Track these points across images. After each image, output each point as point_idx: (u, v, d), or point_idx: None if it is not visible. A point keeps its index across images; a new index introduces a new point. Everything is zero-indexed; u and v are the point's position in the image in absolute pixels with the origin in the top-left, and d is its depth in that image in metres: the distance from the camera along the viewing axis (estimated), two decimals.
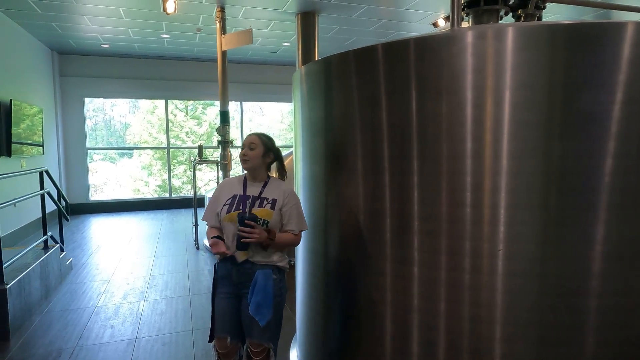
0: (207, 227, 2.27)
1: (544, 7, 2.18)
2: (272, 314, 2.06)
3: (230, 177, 2.31)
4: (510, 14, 2.18)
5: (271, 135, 2.25)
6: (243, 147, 2.19)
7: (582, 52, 1.47)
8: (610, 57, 1.46)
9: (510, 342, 1.61)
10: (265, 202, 2.11)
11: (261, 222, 2.04)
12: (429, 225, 1.71)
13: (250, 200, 2.12)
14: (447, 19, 6.58)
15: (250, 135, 2.21)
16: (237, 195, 2.16)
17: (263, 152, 2.16)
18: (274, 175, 2.27)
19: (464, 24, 2.06)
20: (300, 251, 2.51)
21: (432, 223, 1.70)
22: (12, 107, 6.00)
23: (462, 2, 2.09)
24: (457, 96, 1.60)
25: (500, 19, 2.15)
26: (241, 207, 2.10)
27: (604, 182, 1.48)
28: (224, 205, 2.14)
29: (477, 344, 1.65)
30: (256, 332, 2.08)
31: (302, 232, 2.22)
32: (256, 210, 2.07)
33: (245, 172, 2.23)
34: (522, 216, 1.55)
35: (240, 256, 2.10)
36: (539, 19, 2.17)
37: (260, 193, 2.14)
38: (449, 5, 1.85)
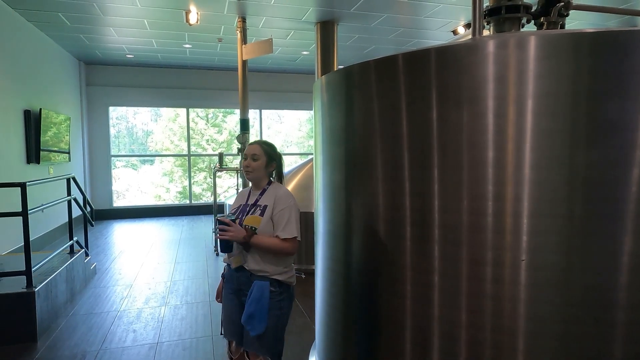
0: None
1: (567, 15, 2.16)
2: (268, 327, 2.04)
3: (245, 188, 2.37)
4: (532, 21, 2.16)
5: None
6: (245, 157, 2.19)
7: (607, 60, 1.46)
8: (636, 64, 1.44)
9: (533, 354, 1.58)
10: (257, 209, 2.12)
11: (250, 228, 2.07)
12: (449, 234, 1.70)
13: (249, 207, 2.16)
14: (467, 26, 6.55)
15: (252, 144, 2.21)
16: (241, 205, 2.22)
17: (266, 163, 2.18)
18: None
19: (485, 32, 2.06)
20: (320, 259, 2.52)
21: (453, 232, 1.69)
22: (41, 115, 6.22)
23: (484, 10, 2.09)
24: (478, 105, 1.60)
25: (522, 27, 2.14)
26: (240, 216, 2.16)
27: (630, 192, 1.45)
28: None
29: (498, 355, 1.62)
30: (248, 341, 2.09)
31: (320, 240, 2.23)
32: (247, 218, 2.11)
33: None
34: (545, 226, 1.53)
35: (234, 262, 2.12)
36: (562, 26, 2.15)
37: (257, 200, 2.17)
38: (469, 13, 1.86)
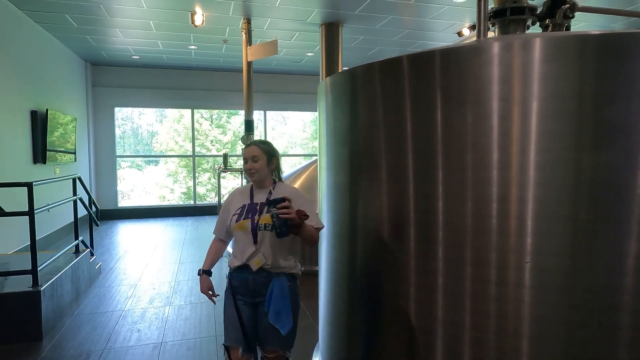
0: (214, 240, 2.31)
1: (573, 17, 2.15)
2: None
3: (238, 187, 2.33)
4: (538, 23, 2.16)
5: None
6: (245, 160, 2.15)
7: (613, 63, 1.45)
8: None
9: (537, 357, 1.57)
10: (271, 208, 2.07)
11: (269, 227, 2.01)
12: (453, 235, 1.70)
13: (258, 207, 2.11)
14: (472, 28, 6.54)
15: (249, 147, 2.17)
16: (245, 204, 2.15)
17: (267, 161, 2.15)
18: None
19: (490, 34, 2.06)
20: (324, 260, 2.52)
21: (457, 234, 1.69)
22: (48, 116, 6.26)
23: (489, 12, 2.09)
24: (483, 107, 1.60)
25: (527, 29, 2.14)
26: (250, 216, 2.09)
27: (635, 194, 1.45)
28: (233, 215, 2.14)
29: (502, 357, 1.62)
30: (274, 340, 2.08)
31: (324, 241, 2.22)
32: (264, 217, 2.04)
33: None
34: (550, 228, 1.52)
35: (255, 264, 2.07)
36: (567, 28, 2.14)
37: (267, 199, 2.10)
38: (474, 15, 1.86)
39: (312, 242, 2.10)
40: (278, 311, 2.03)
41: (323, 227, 2.16)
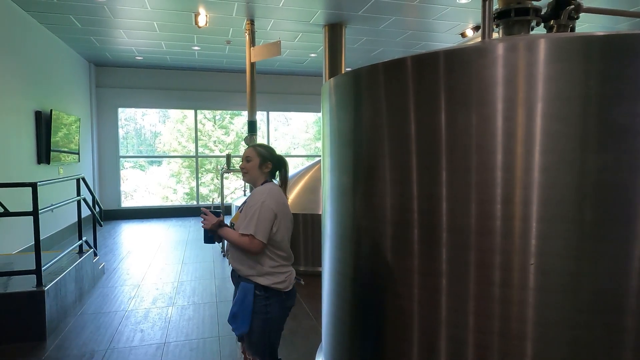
0: None
1: (577, 17, 2.14)
2: (253, 330, 2.09)
3: None
4: (542, 24, 2.15)
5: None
6: (242, 161, 2.29)
7: (618, 64, 1.45)
8: None
9: (541, 359, 1.57)
10: (242, 207, 2.23)
11: (230, 224, 2.22)
12: (457, 237, 1.70)
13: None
14: (475, 29, 6.53)
15: (247, 148, 2.30)
16: None
17: (259, 163, 2.22)
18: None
19: (494, 35, 2.06)
20: (327, 261, 2.52)
21: (461, 235, 1.69)
22: (52, 116, 6.29)
23: (493, 13, 2.08)
24: (487, 108, 1.59)
25: (532, 30, 2.13)
26: None
27: None
28: None
29: (506, 359, 1.62)
30: (245, 340, 2.19)
31: (327, 242, 2.23)
32: (234, 216, 2.24)
33: None
34: (555, 230, 1.52)
35: (229, 261, 2.24)
36: (572, 29, 2.13)
37: (246, 199, 2.26)
38: (478, 15, 1.86)
39: (241, 248, 2.08)
40: (234, 314, 2.14)
41: (249, 233, 2.04)
